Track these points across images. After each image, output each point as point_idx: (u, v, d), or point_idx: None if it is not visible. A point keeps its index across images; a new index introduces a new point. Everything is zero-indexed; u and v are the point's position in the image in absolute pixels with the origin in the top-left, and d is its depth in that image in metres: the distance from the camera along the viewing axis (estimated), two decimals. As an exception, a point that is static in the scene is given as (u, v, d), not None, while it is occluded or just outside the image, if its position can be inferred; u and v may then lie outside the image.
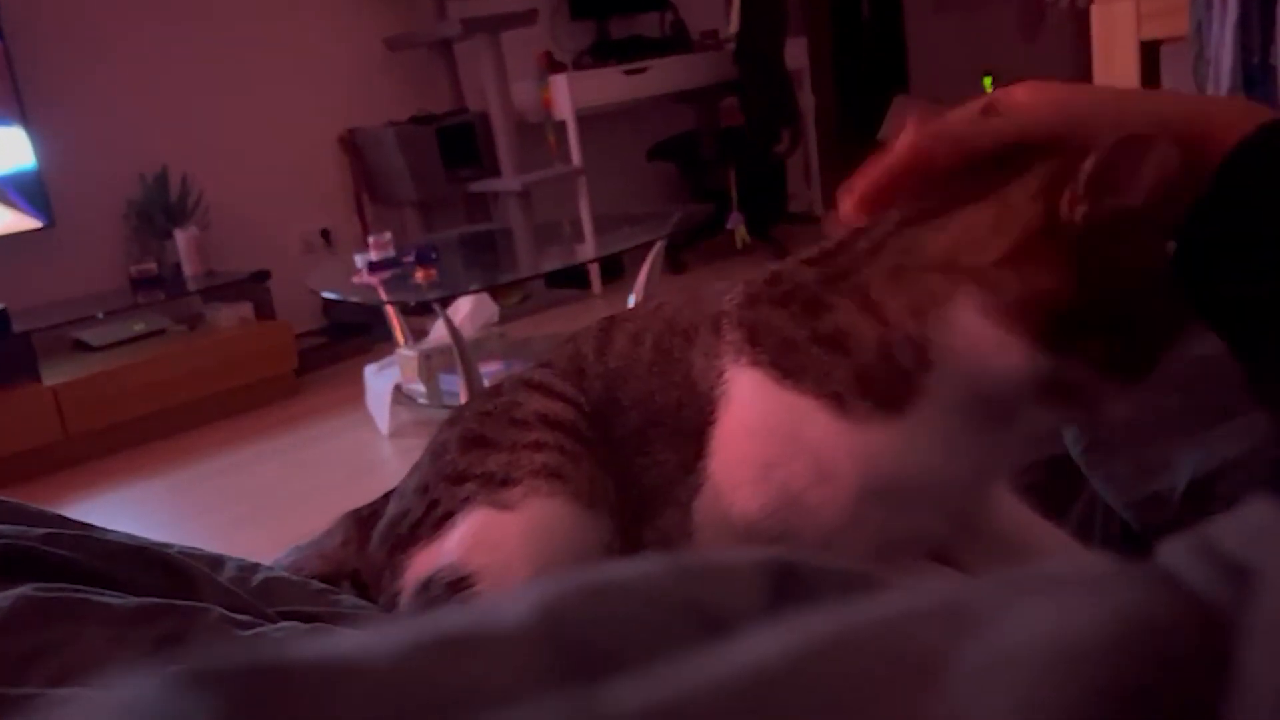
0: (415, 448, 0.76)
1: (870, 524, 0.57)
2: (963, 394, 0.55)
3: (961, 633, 0.22)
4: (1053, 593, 0.24)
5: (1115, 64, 2.11)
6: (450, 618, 0.25)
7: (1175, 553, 0.25)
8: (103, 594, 0.56)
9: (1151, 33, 2.08)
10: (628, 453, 0.65)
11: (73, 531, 0.64)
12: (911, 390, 0.54)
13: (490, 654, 0.23)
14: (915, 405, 0.55)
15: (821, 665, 0.22)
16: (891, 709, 0.21)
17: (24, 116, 3.08)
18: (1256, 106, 0.54)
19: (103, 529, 0.67)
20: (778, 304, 0.59)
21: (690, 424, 0.62)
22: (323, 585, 0.73)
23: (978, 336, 0.52)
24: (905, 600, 0.25)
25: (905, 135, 0.58)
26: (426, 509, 0.67)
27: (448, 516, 0.65)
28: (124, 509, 2.56)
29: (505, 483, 0.64)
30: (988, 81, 5.93)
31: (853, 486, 0.57)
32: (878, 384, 0.55)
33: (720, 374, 0.60)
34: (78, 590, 0.55)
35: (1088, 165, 0.50)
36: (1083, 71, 3.29)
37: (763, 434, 0.59)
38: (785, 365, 0.57)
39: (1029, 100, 0.56)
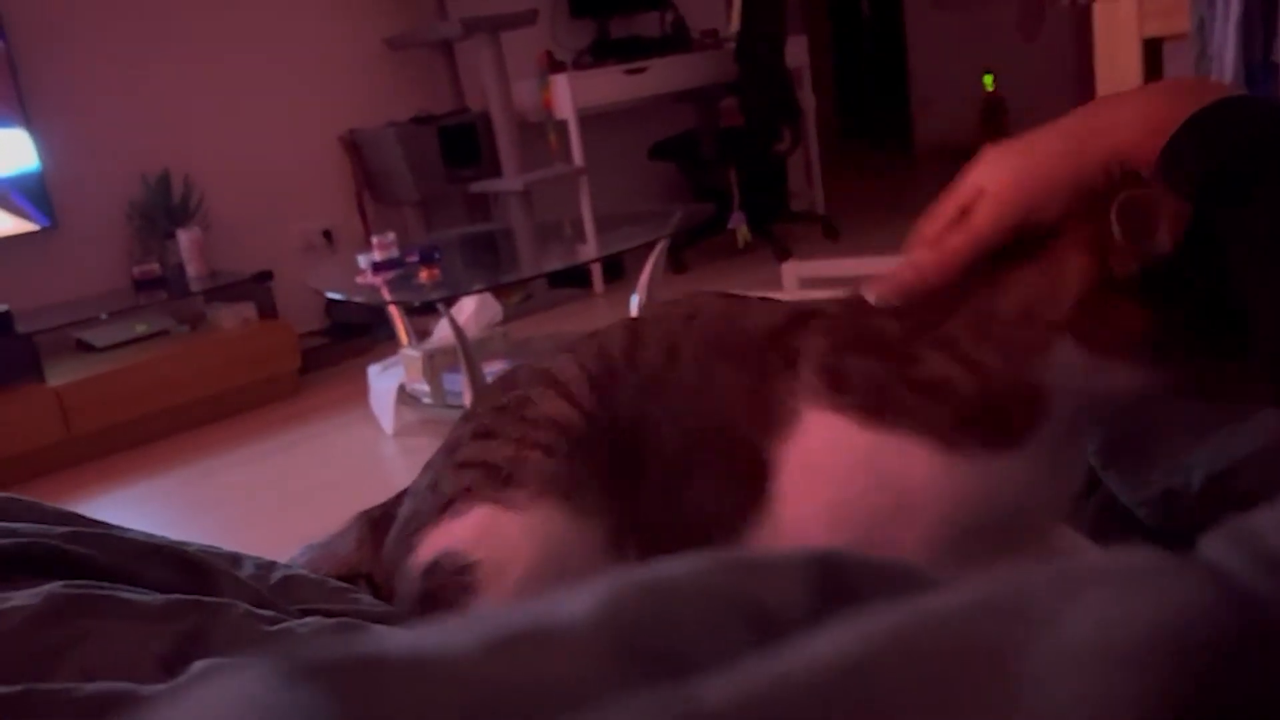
0: (419, 447, 0.76)
1: (952, 557, 0.58)
2: (1065, 426, 0.58)
3: (1026, 626, 0.23)
4: (1108, 585, 0.24)
5: (1117, 62, 2.11)
6: (516, 614, 0.25)
7: (1217, 546, 0.25)
8: (127, 590, 0.56)
9: (1153, 30, 2.09)
10: (661, 472, 0.65)
11: (93, 530, 0.64)
12: (1017, 429, 0.57)
13: (560, 651, 0.24)
14: (1020, 442, 0.57)
15: (892, 659, 0.22)
16: (964, 701, 0.22)
17: (27, 119, 3.08)
18: (1202, 87, 0.56)
19: (121, 528, 0.68)
20: (867, 353, 0.60)
21: (741, 455, 0.62)
22: (340, 583, 0.73)
23: (1091, 372, 0.55)
24: (967, 593, 0.25)
25: (910, 261, 0.62)
26: (434, 501, 0.68)
27: (451, 502, 0.66)
28: (128, 508, 2.56)
29: (512, 481, 0.65)
30: (988, 79, 5.93)
31: (945, 524, 0.58)
32: (984, 426, 0.57)
33: (794, 413, 0.60)
34: (103, 587, 0.56)
35: (1118, 236, 0.53)
36: (1084, 70, 3.29)
37: (848, 476, 0.59)
38: (878, 410, 0.58)
39: (994, 189, 0.59)
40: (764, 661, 0.23)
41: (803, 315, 0.65)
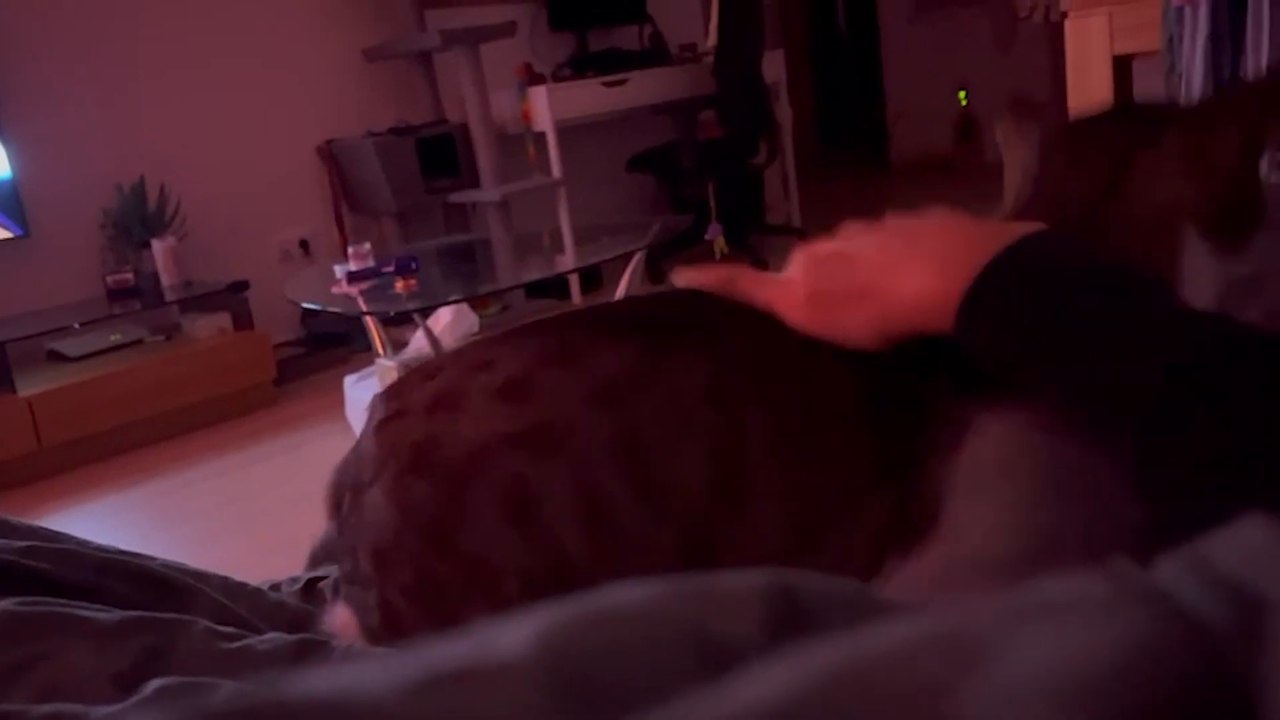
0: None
1: None
2: None
3: (965, 665, 0.22)
4: (1054, 619, 0.24)
5: (1088, 79, 2.14)
6: (450, 651, 0.24)
7: (1170, 572, 0.25)
8: (85, 607, 0.56)
9: (1124, 47, 2.11)
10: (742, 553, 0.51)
11: (53, 545, 0.64)
12: None
13: (493, 690, 0.23)
14: None
15: (829, 703, 0.22)
16: None
17: (0, 126, 3.06)
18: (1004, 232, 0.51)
19: (84, 541, 0.67)
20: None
21: (880, 506, 0.51)
22: (304, 605, 0.73)
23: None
24: (906, 631, 0.24)
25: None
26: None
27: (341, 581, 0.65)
28: (101, 520, 2.54)
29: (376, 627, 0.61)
30: (962, 95, 5.98)
31: None
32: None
33: (956, 424, 0.51)
34: (59, 604, 0.55)
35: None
36: (1057, 86, 3.32)
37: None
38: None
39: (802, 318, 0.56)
40: (703, 702, 0.22)
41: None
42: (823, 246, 0.58)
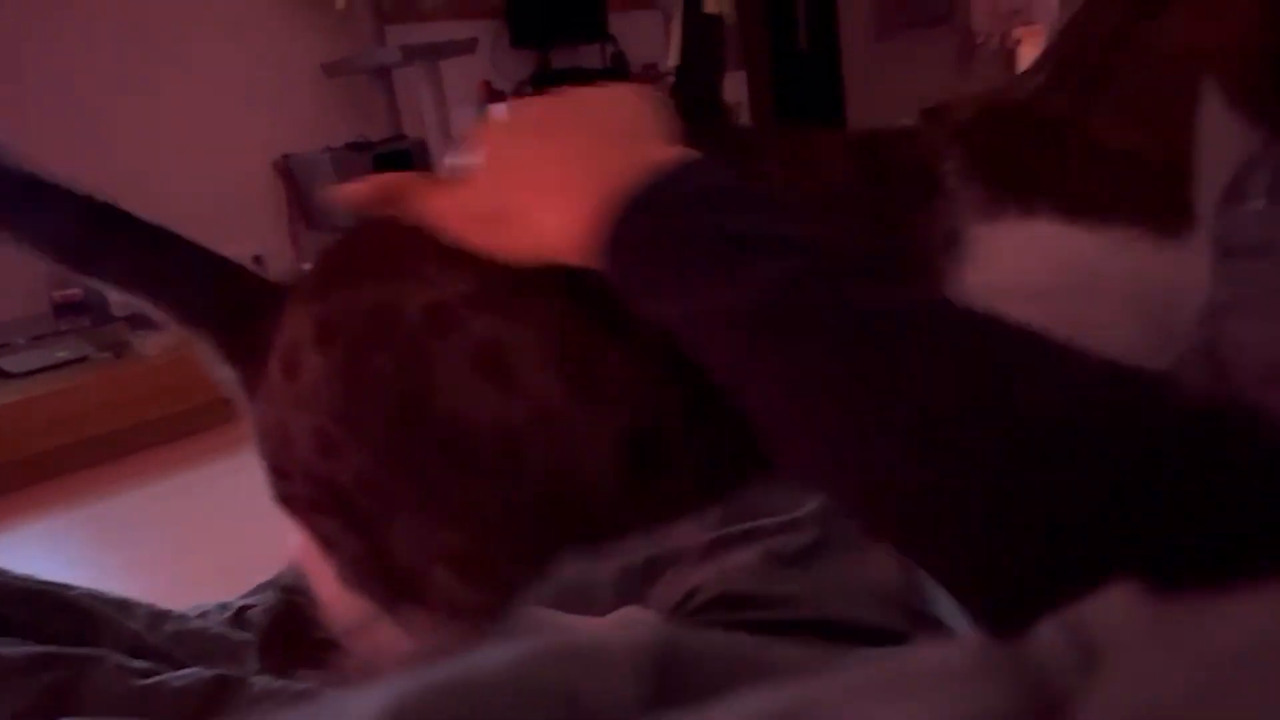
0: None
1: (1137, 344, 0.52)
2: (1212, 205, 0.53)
3: None
4: (910, 693, 0.23)
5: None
6: None
7: (1048, 637, 0.24)
8: (-8, 642, 0.53)
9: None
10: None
11: (-34, 574, 0.61)
12: (1187, 204, 0.52)
13: None
14: (1191, 219, 0.52)
15: None
16: None
17: (-56, 137, 2.99)
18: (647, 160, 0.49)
19: (1, 570, 0.64)
20: (1033, 147, 0.53)
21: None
22: (239, 633, 0.71)
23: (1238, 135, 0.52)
24: (766, 706, 0.23)
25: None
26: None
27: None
28: (44, 543, 2.47)
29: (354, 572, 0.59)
30: (922, 117, 6.04)
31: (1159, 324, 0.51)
32: (1164, 203, 0.51)
33: (955, 240, 0.50)
34: (-37, 639, 0.53)
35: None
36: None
37: (1060, 295, 0.49)
38: (1069, 205, 0.50)
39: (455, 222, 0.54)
40: None
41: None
42: (490, 140, 0.55)
